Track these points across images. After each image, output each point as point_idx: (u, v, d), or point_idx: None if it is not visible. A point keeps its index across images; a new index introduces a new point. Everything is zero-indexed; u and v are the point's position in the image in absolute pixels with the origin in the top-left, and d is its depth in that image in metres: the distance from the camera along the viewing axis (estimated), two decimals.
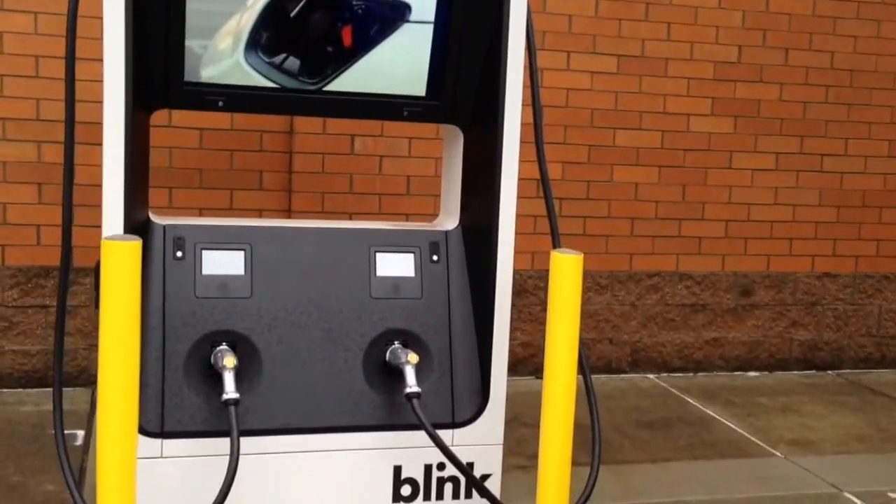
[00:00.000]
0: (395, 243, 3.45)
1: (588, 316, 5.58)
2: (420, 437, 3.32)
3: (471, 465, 3.43)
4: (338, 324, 3.31)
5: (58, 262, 4.81)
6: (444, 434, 3.38)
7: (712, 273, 5.73)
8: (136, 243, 2.59)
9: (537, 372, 5.53)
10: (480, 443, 3.44)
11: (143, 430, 3.11)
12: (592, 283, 5.57)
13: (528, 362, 5.55)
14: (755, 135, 5.72)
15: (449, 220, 3.63)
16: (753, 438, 4.63)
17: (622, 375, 5.69)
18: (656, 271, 5.65)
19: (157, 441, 3.12)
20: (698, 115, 5.60)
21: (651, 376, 5.68)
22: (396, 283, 3.40)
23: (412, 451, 3.36)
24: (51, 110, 4.79)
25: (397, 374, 3.30)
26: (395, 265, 3.43)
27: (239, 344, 3.21)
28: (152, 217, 3.29)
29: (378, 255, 3.42)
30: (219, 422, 3.17)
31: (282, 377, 3.23)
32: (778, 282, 5.85)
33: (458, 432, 3.42)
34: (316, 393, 3.26)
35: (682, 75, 5.57)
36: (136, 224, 3.14)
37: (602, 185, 5.53)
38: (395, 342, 3.38)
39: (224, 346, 3.19)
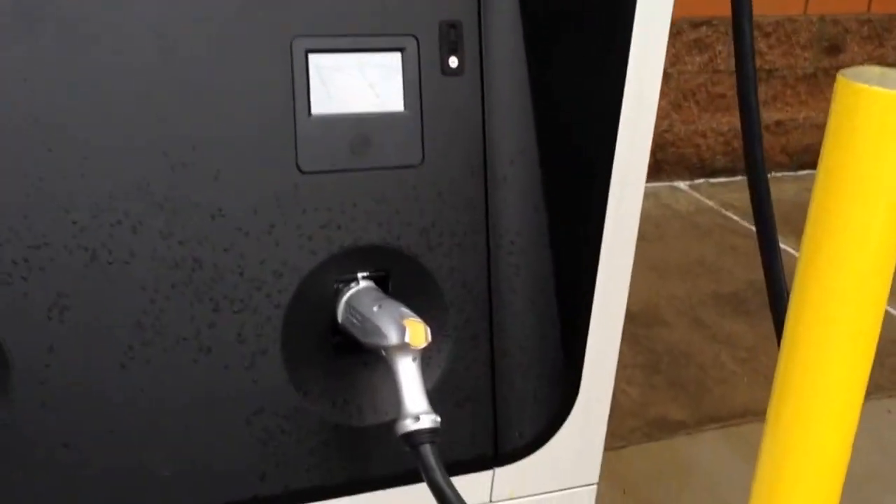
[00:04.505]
0: (355, 30, 1.65)
1: None
2: (418, 496, 1.67)
3: None
4: (212, 242, 1.60)
5: None
6: (478, 480, 1.79)
7: (789, 19, 4.93)
8: None
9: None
10: (556, 487, 1.86)
11: None
12: None
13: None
14: None
15: None
16: None
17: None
18: (705, 18, 4.77)
19: None
20: None
21: (683, 185, 4.63)
22: (362, 130, 1.65)
23: None
24: None
25: (367, 361, 1.66)
26: (358, 85, 1.66)
27: None
28: None
29: (313, 58, 1.62)
30: None
31: (67, 388, 1.56)
32: (880, 29, 5.12)
33: (505, 473, 1.80)
34: (161, 423, 1.60)
35: None
36: None
37: None
38: (360, 278, 1.67)
39: None
